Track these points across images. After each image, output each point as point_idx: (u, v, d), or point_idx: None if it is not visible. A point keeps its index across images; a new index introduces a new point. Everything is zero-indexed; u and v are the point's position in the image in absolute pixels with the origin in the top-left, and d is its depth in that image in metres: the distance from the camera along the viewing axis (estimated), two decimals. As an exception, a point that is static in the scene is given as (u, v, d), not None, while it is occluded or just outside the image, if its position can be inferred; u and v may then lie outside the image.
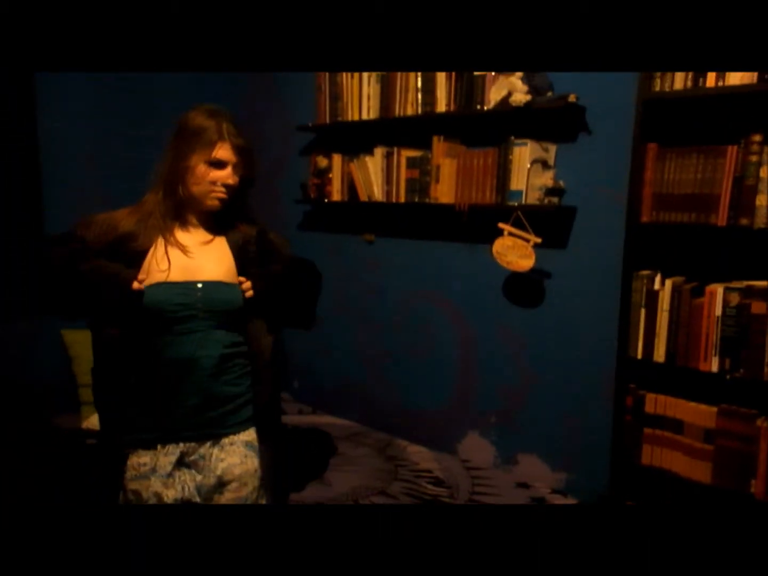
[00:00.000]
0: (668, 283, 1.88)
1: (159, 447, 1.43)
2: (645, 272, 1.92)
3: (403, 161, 2.58)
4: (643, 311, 1.91)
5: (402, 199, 2.60)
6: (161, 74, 2.94)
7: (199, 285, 1.42)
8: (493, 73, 2.27)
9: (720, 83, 1.73)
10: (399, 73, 2.54)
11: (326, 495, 2.19)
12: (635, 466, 1.96)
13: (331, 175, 2.85)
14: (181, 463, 1.45)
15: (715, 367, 1.79)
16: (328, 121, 2.82)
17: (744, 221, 1.73)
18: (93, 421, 2.71)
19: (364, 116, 2.68)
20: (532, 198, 2.23)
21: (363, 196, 2.72)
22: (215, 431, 1.47)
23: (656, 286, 1.90)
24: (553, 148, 2.26)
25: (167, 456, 1.43)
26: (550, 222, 2.26)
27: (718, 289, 1.79)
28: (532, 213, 2.23)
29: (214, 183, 1.41)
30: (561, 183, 2.25)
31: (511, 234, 2.25)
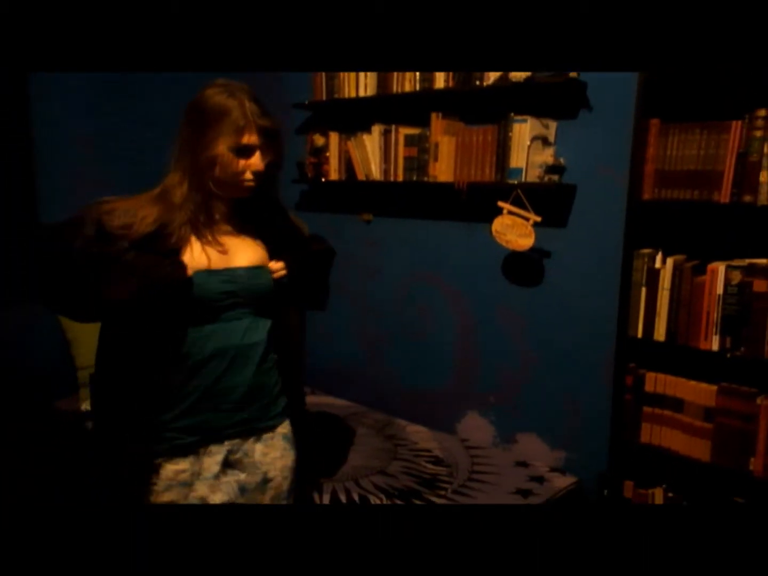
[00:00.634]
0: (669, 261, 1.86)
1: (201, 450, 1.34)
2: (646, 251, 1.90)
3: (401, 139, 2.54)
4: (643, 290, 1.90)
5: (400, 178, 2.56)
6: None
7: (242, 271, 1.34)
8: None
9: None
10: (396, 49, 2.49)
11: (326, 475, 2.20)
12: (634, 444, 1.96)
13: (328, 154, 2.81)
14: (225, 463, 1.37)
15: (715, 346, 1.78)
16: (324, 98, 2.78)
17: (747, 198, 1.71)
18: (92, 403, 2.72)
19: (362, 93, 2.63)
20: (532, 176, 2.20)
21: (361, 175, 2.69)
22: (258, 425, 1.40)
23: (657, 264, 1.88)
24: (553, 125, 2.23)
25: (212, 456, 1.35)
26: (550, 200, 2.23)
27: (720, 267, 1.77)
28: (531, 191, 2.20)
29: (242, 171, 1.28)
30: (561, 160, 2.22)
31: (510, 213, 2.22)
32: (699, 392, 1.85)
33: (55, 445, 2.44)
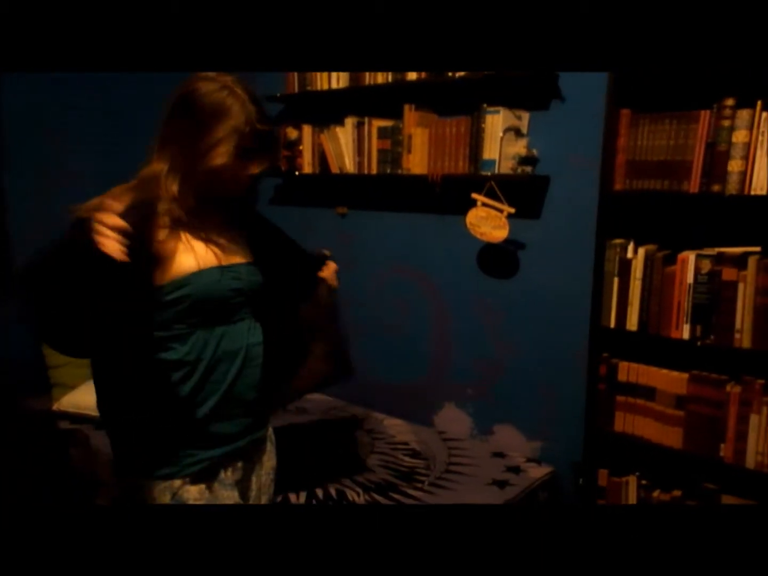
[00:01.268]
0: (641, 251, 1.87)
1: (217, 472, 1.27)
2: (618, 241, 1.91)
3: (375, 131, 2.52)
4: (616, 280, 1.91)
5: (374, 171, 2.54)
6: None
7: (243, 268, 1.29)
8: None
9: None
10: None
11: (303, 470, 2.18)
12: (608, 433, 1.98)
13: (301, 147, 2.77)
14: (237, 480, 1.32)
15: (686, 335, 1.80)
16: (297, 90, 2.74)
17: (716, 188, 1.72)
18: (64, 403, 2.66)
19: (334, 85, 2.61)
20: (506, 167, 2.19)
21: (334, 168, 2.66)
22: (260, 431, 1.36)
23: (629, 254, 1.89)
24: (526, 116, 2.22)
25: (226, 480, 1.29)
26: (523, 192, 2.23)
27: (690, 257, 1.79)
28: (505, 183, 2.20)
29: (241, 174, 1.22)
30: (534, 151, 2.22)
31: (484, 204, 2.22)
32: (670, 380, 1.87)
33: (28, 446, 2.39)
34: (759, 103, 1.64)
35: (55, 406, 2.68)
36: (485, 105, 2.17)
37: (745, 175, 1.67)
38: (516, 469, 2.21)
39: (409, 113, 2.39)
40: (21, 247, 2.59)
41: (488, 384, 2.48)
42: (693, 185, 1.76)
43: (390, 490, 2.07)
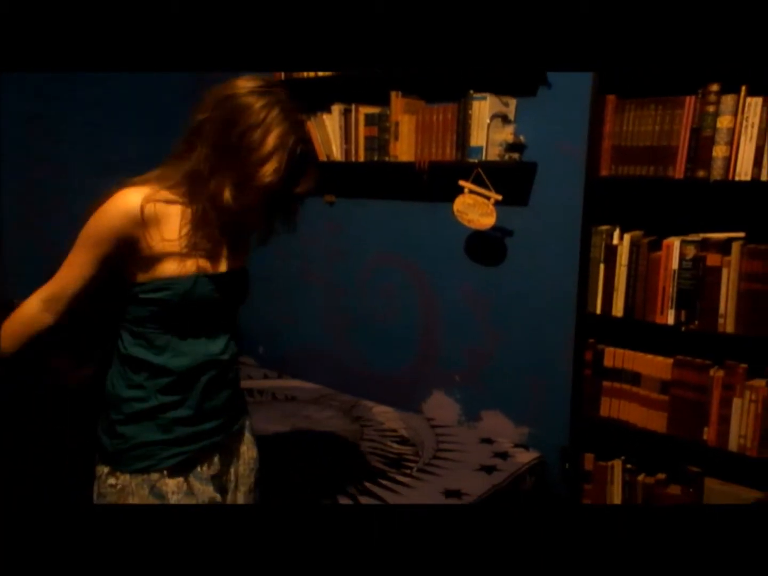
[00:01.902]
0: (627, 237, 1.88)
1: (194, 465, 1.27)
2: (604, 227, 1.92)
3: (362, 119, 2.50)
4: (602, 266, 1.92)
5: (361, 158, 2.53)
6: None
7: (227, 277, 1.28)
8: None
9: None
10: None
11: (290, 458, 2.19)
12: (594, 418, 2.00)
13: (288, 134, 2.75)
14: (213, 475, 1.32)
15: (671, 320, 1.82)
16: (283, 77, 2.72)
17: (701, 173, 1.73)
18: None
19: (320, 72, 2.59)
20: (493, 154, 2.19)
21: (322, 156, 2.65)
22: (238, 424, 1.37)
23: (615, 240, 1.90)
24: (513, 102, 2.22)
25: (202, 475, 1.28)
26: (510, 178, 2.23)
27: (675, 243, 1.80)
28: (492, 169, 2.20)
29: (281, 196, 1.20)
30: (521, 138, 2.22)
31: (471, 192, 2.22)
32: (655, 366, 1.88)
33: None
34: (743, 88, 1.65)
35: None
36: (472, 91, 2.16)
37: (730, 161, 1.68)
38: (504, 455, 2.23)
39: (396, 100, 2.38)
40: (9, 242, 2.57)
41: (476, 370, 2.49)
42: (678, 171, 1.77)
43: (379, 477, 2.08)
